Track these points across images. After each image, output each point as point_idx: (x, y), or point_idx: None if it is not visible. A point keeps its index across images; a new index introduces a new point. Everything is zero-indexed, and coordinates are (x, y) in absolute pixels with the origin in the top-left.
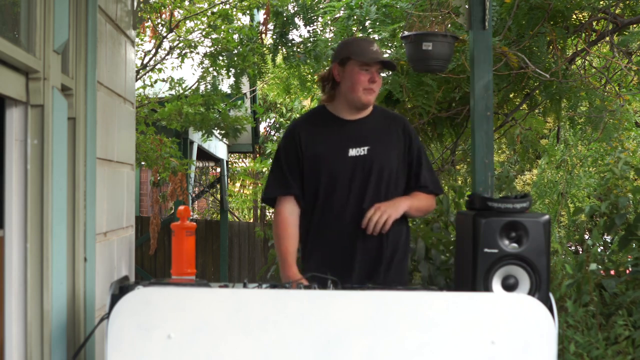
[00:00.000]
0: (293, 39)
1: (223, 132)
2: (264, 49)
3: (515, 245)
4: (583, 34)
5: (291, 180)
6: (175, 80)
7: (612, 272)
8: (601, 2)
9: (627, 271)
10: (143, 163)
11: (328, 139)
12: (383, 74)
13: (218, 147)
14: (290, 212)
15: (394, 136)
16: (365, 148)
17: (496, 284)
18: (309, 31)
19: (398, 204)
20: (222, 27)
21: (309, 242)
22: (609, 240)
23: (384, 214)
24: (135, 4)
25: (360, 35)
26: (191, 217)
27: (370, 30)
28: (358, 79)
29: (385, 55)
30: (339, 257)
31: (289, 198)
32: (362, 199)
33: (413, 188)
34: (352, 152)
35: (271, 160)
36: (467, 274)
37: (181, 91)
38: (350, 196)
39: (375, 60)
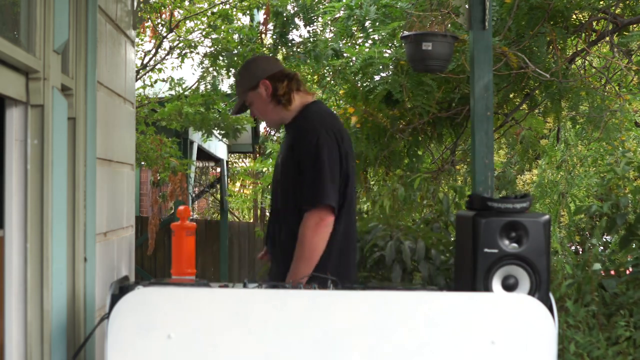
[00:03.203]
0: (293, 39)
1: (223, 132)
2: (264, 49)
3: (515, 245)
4: (583, 34)
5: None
6: (175, 80)
7: (613, 272)
8: (601, 2)
9: (628, 271)
10: (143, 163)
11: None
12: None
13: (218, 147)
14: None
15: (290, 144)
16: (281, 156)
17: (496, 284)
18: (309, 31)
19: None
20: (222, 27)
21: None
22: (609, 240)
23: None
24: (135, 4)
25: (361, 35)
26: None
27: (370, 30)
28: None
29: (391, 55)
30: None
31: None
32: (274, 203)
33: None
34: (278, 159)
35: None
36: (467, 274)
37: (181, 91)
38: (274, 202)
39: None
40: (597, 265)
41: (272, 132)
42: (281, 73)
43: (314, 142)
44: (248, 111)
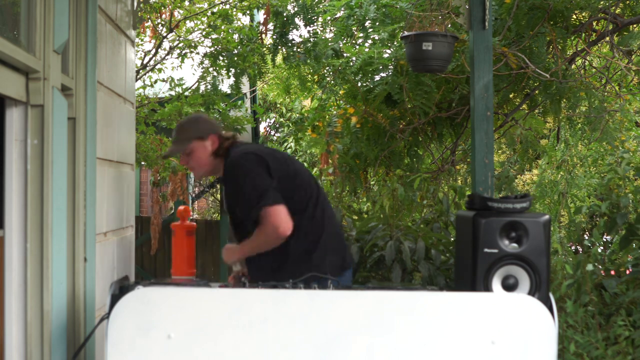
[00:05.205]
0: (293, 39)
1: None
2: (264, 49)
3: (515, 245)
4: (583, 34)
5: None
6: (175, 81)
7: (613, 272)
8: (601, 2)
9: (628, 271)
10: (143, 163)
11: None
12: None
13: None
14: None
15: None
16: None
17: (496, 284)
18: (309, 31)
19: (231, 255)
20: (222, 27)
21: None
22: (609, 240)
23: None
24: (135, 4)
25: (361, 35)
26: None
27: (370, 30)
28: None
29: (391, 55)
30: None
31: None
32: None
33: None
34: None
35: None
36: (467, 274)
37: (181, 91)
38: None
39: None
40: (590, 266)
41: (272, 132)
42: (223, 134)
43: (235, 175)
44: (248, 111)
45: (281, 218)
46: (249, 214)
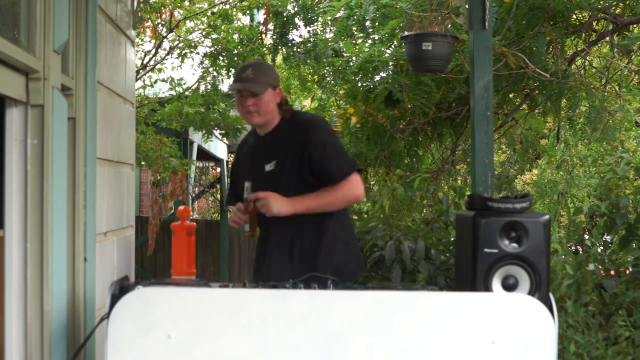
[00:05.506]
0: (293, 39)
1: (223, 132)
2: (264, 49)
3: (515, 245)
4: (583, 34)
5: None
6: (175, 81)
7: (612, 272)
8: (601, 2)
9: (628, 271)
10: (143, 163)
11: (251, 155)
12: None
13: (218, 147)
14: None
15: (293, 145)
16: (274, 162)
17: (496, 284)
18: (309, 31)
19: (285, 205)
20: (222, 27)
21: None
22: (609, 240)
23: (263, 207)
24: (135, 4)
25: (361, 35)
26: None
27: (370, 30)
28: (237, 104)
29: (391, 54)
30: (261, 258)
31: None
32: None
33: (324, 184)
34: (267, 167)
35: None
36: (467, 274)
37: (181, 91)
38: None
39: (234, 90)
40: (592, 266)
41: None
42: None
43: (321, 132)
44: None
45: (362, 186)
46: (339, 168)
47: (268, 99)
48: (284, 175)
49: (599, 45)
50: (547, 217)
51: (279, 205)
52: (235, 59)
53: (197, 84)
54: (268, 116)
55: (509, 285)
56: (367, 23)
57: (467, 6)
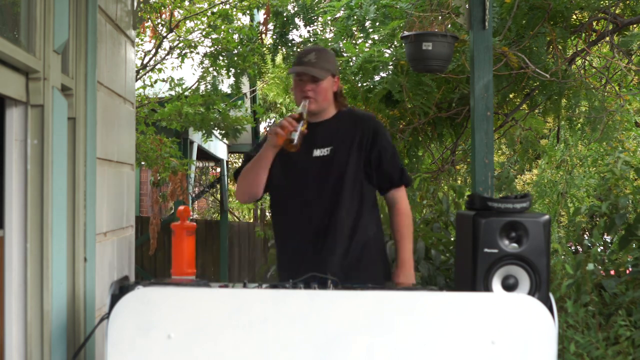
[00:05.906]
0: (293, 39)
1: (223, 132)
2: (264, 49)
3: (515, 245)
4: (583, 34)
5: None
6: (175, 81)
7: (612, 272)
8: (601, 2)
9: (627, 271)
10: (143, 163)
11: None
12: (383, 73)
13: (218, 147)
14: None
15: (356, 136)
16: (328, 149)
17: (496, 284)
18: (309, 31)
19: (410, 273)
20: (222, 27)
21: (278, 237)
22: (609, 240)
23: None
24: (135, 4)
25: (361, 35)
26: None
27: (370, 30)
28: (295, 89)
29: (391, 54)
30: (298, 255)
31: None
32: (321, 196)
33: (380, 183)
34: (317, 152)
35: None
36: (467, 274)
37: (181, 91)
38: (313, 194)
39: (294, 72)
40: (591, 266)
41: None
42: None
43: (388, 135)
44: (248, 111)
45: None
46: (397, 176)
47: (326, 86)
48: (347, 165)
49: (599, 45)
50: (547, 217)
51: (410, 277)
52: (235, 59)
53: (197, 84)
54: (325, 104)
55: (509, 285)
56: (367, 23)
57: (467, 6)
